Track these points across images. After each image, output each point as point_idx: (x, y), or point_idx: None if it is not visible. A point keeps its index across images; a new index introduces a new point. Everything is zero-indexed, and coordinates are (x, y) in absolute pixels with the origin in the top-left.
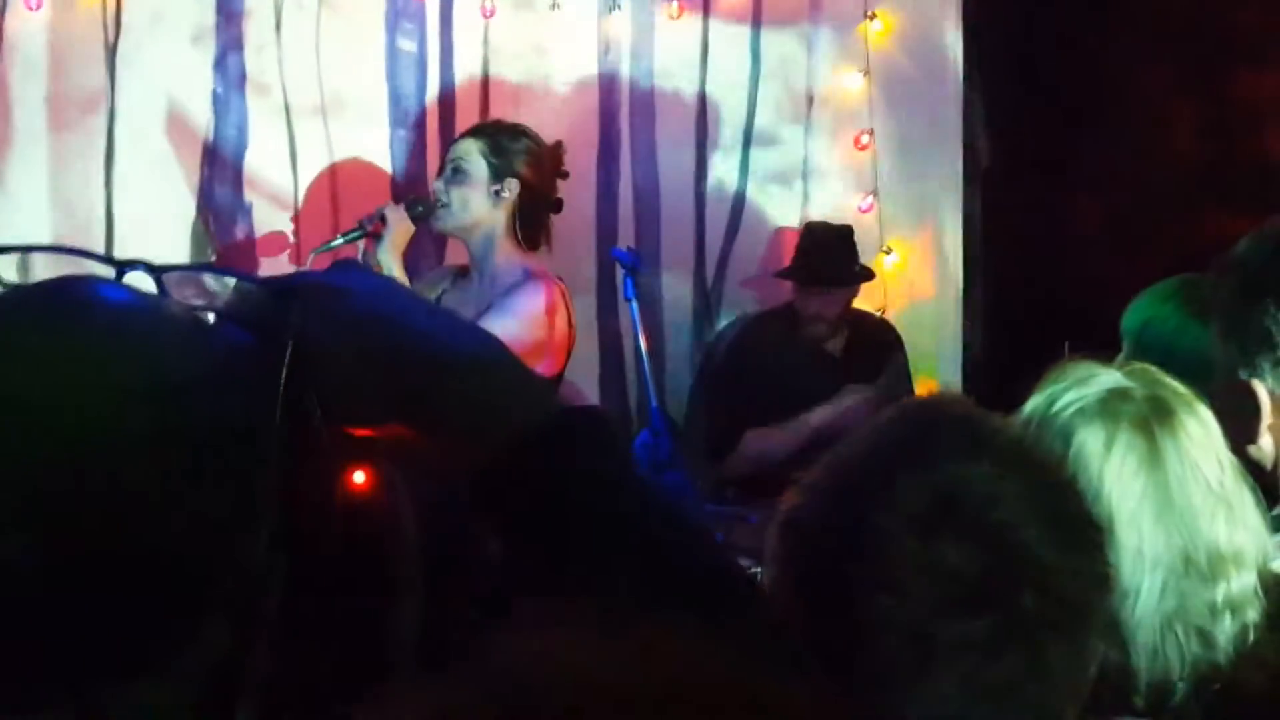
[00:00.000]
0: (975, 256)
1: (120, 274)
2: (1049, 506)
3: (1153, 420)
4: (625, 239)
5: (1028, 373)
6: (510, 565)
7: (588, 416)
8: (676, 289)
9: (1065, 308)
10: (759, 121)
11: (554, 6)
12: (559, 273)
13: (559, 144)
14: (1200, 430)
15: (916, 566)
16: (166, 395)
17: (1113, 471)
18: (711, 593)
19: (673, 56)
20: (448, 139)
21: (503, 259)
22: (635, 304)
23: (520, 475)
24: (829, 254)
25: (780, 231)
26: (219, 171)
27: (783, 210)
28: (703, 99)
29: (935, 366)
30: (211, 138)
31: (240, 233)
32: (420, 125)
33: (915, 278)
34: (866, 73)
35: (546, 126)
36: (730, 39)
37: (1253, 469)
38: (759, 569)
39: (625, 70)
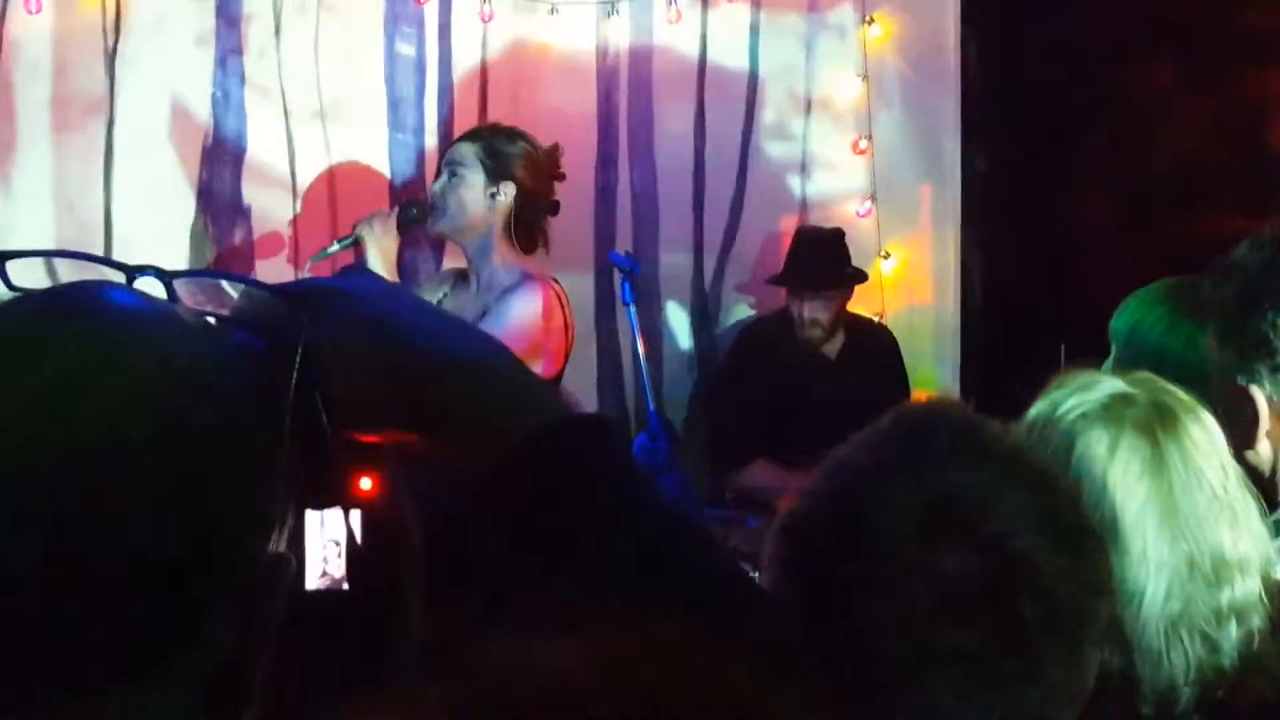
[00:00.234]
0: (973, 261)
1: (131, 279)
2: (1047, 513)
3: (1156, 425)
4: (623, 243)
5: (1025, 377)
6: (513, 569)
7: (591, 421)
8: (675, 293)
9: (1063, 312)
10: (757, 126)
11: (552, 10)
12: (557, 277)
13: (555, 147)
14: (1204, 436)
15: (914, 572)
16: (177, 399)
17: (1116, 476)
18: (714, 597)
19: (671, 61)
20: (446, 142)
21: (499, 262)
22: (633, 308)
23: (524, 479)
24: (819, 257)
25: (779, 236)
26: (218, 174)
27: (781, 214)
28: (701, 103)
29: (933, 371)
30: (211, 140)
31: (239, 235)
32: (419, 129)
33: (913, 282)
34: (865, 77)
35: (544, 130)
36: (728, 43)
37: (1250, 474)
38: (757, 574)
39: (623, 74)
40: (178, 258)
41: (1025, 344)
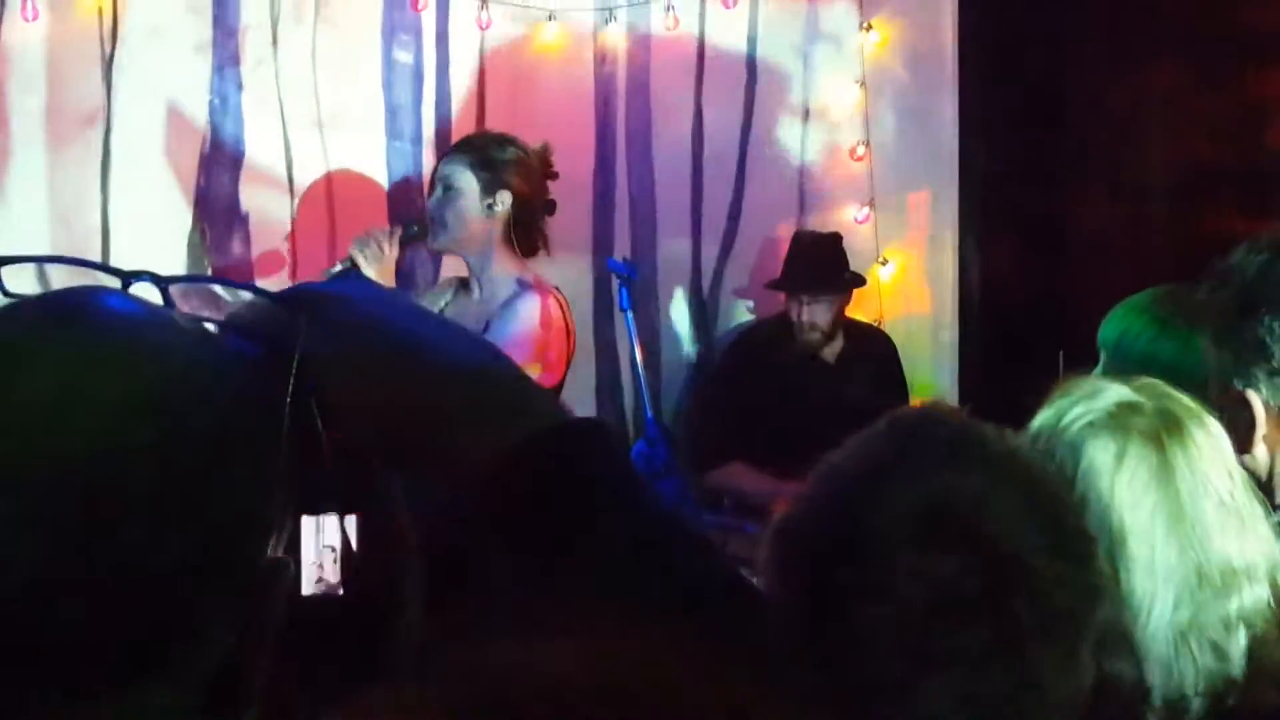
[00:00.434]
0: (971, 267)
1: (126, 285)
2: (1041, 517)
3: (1163, 433)
4: (621, 249)
5: (1024, 383)
6: (511, 572)
7: (588, 425)
8: (673, 299)
9: (1061, 318)
10: (755, 132)
11: (550, 18)
12: (555, 283)
13: (545, 146)
14: (1210, 443)
15: (910, 576)
16: (174, 404)
17: (1124, 485)
18: (710, 601)
19: (668, 68)
20: (444, 151)
21: (500, 270)
22: (630, 314)
23: (521, 483)
24: (817, 261)
25: (777, 242)
26: (216, 182)
27: (779, 221)
28: (698, 110)
29: (931, 376)
30: (208, 149)
31: (237, 243)
32: (416, 137)
33: (911, 288)
34: (863, 83)
35: (542, 137)
36: (726, 49)
37: None
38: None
39: (621, 82)
40: (175, 266)
41: (1023, 350)
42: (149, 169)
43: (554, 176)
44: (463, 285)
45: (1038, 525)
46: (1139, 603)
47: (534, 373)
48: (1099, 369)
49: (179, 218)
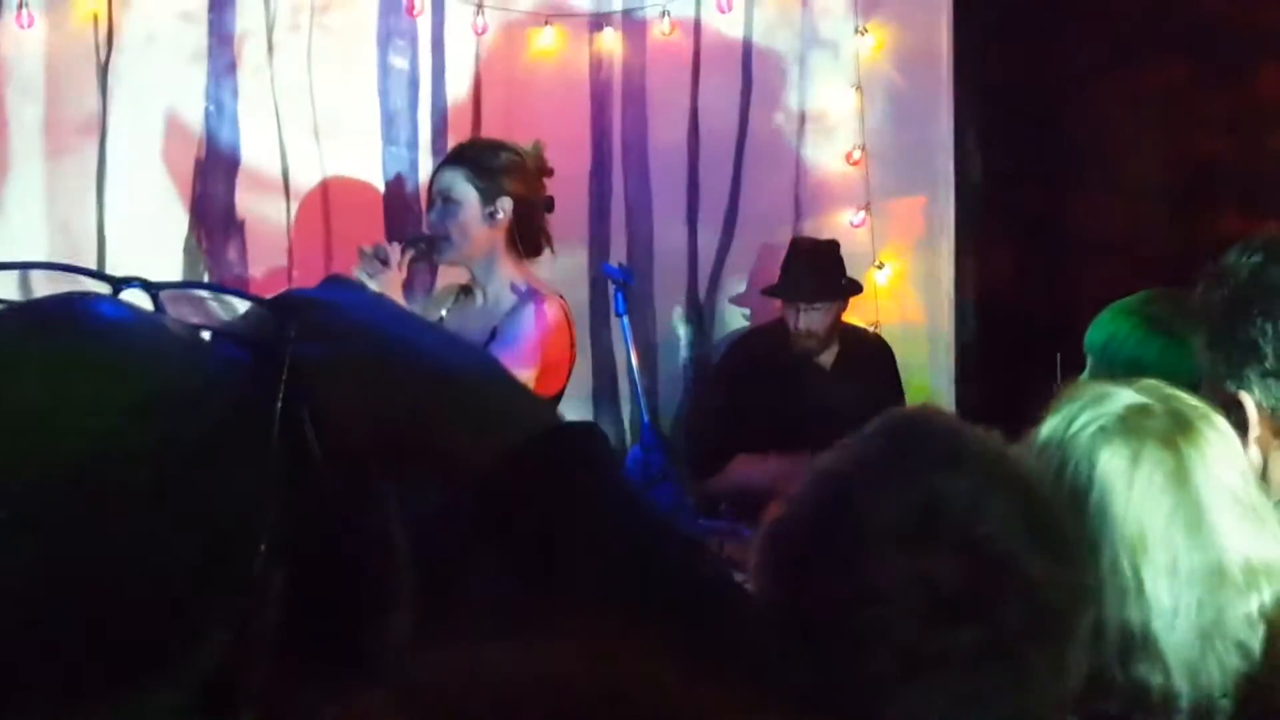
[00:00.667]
0: (967, 271)
1: (117, 291)
2: (1032, 519)
3: (1177, 436)
4: (618, 254)
5: (1020, 387)
6: (504, 577)
7: (580, 430)
8: (669, 304)
9: (1058, 322)
10: (751, 136)
11: (545, 23)
12: (553, 287)
13: (538, 144)
14: (1222, 442)
15: (901, 578)
16: (163, 410)
17: (1141, 488)
18: (700, 605)
19: (665, 73)
20: (440, 158)
21: (505, 277)
22: (626, 319)
23: (513, 487)
24: (814, 269)
25: (773, 247)
26: (212, 191)
27: (775, 225)
28: (694, 115)
29: (927, 380)
30: (205, 156)
31: (234, 250)
32: (413, 142)
33: (907, 292)
34: (858, 88)
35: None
36: (722, 54)
37: None
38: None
39: (617, 87)
40: (172, 273)
41: (1020, 354)
42: (145, 176)
43: (549, 174)
44: (464, 292)
45: (1029, 527)
46: (1163, 606)
47: (539, 382)
48: (1086, 374)
49: (176, 224)
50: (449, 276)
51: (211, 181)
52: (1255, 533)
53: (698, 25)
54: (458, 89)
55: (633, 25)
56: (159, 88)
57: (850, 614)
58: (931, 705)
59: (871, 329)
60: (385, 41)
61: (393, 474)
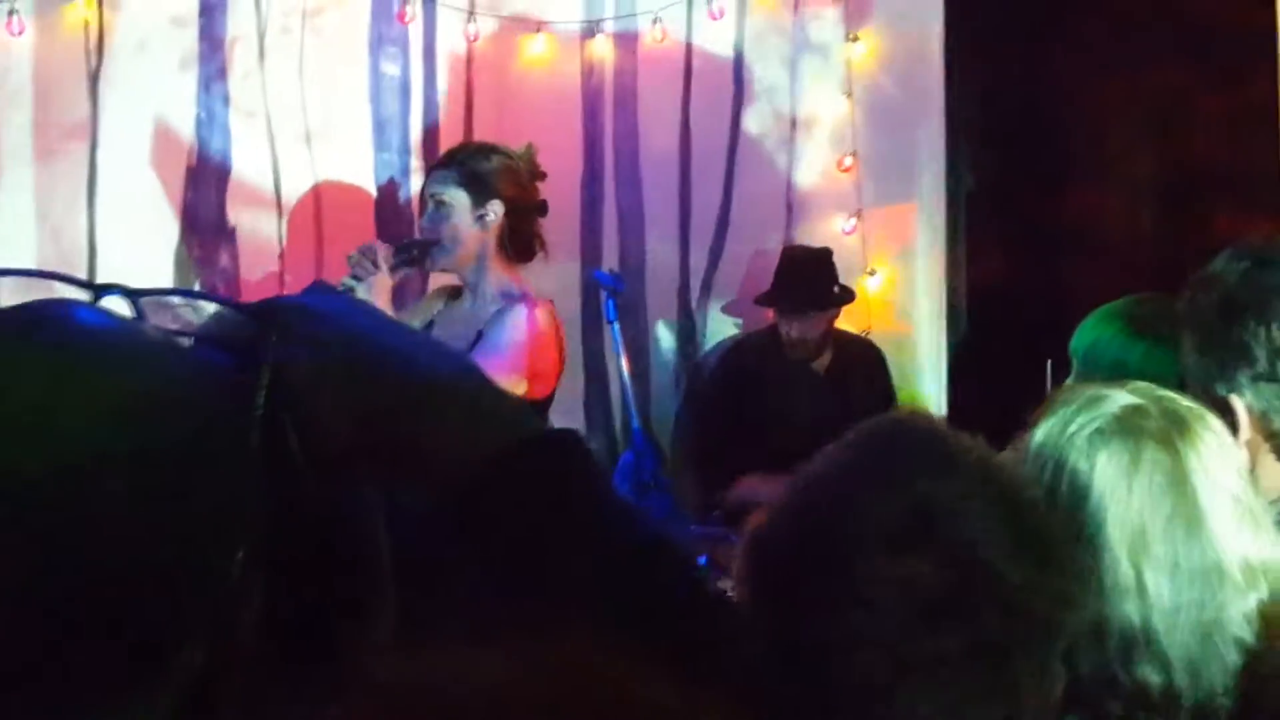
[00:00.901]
0: (958, 278)
1: (97, 297)
2: (1016, 525)
3: (1174, 436)
4: (609, 262)
5: (1012, 393)
6: (483, 585)
7: (564, 437)
8: (661, 311)
9: (1050, 328)
10: (742, 144)
11: (538, 30)
12: (544, 295)
13: (530, 147)
14: (1218, 442)
15: (886, 583)
16: (140, 416)
17: (1141, 489)
18: (684, 613)
19: (656, 80)
20: (431, 164)
21: (494, 279)
22: (617, 326)
23: (493, 496)
24: (807, 278)
25: (764, 253)
26: (203, 197)
27: (767, 232)
28: (686, 121)
29: (920, 386)
30: (195, 163)
31: (225, 257)
32: (404, 149)
33: (899, 299)
34: (850, 94)
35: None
36: (713, 61)
37: None
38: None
39: (609, 93)
40: (163, 280)
41: (1011, 360)
42: (136, 183)
43: (542, 177)
44: (454, 294)
45: (1012, 533)
46: (1164, 605)
47: (524, 385)
48: (1071, 379)
49: (167, 231)
50: (440, 279)
51: (202, 188)
52: (1253, 532)
53: (689, 32)
54: (449, 96)
55: (624, 33)
56: (149, 94)
57: (834, 620)
58: (915, 710)
59: (863, 335)
60: (377, 48)
61: (374, 479)
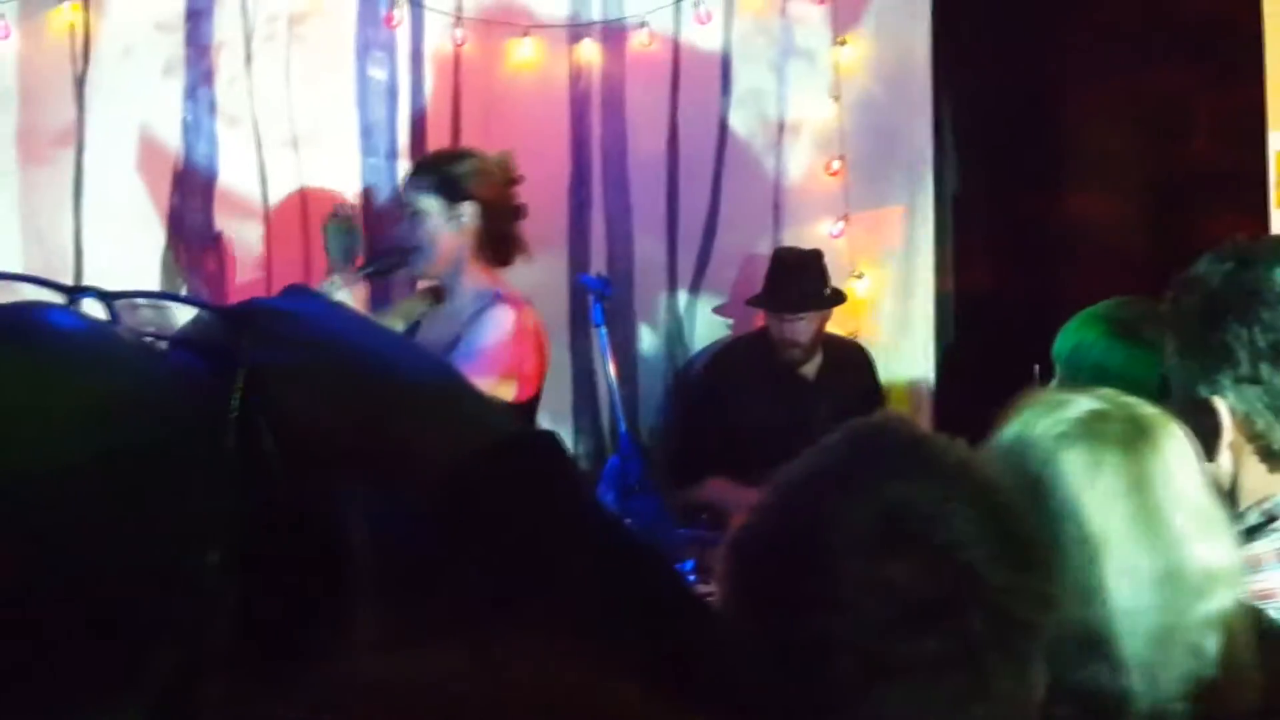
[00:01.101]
0: (947, 280)
1: (72, 300)
2: (996, 527)
3: (1137, 441)
4: (597, 265)
5: (1000, 396)
6: (458, 586)
7: (541, 439)
8: (648, 314)
9: (1037, 331)
10: (730, 147)
11: (525, 34)
12: (531, 298)
13: (506, 153)
14: (1180, 448)
15: (864, 586)
16: (112, 418)
17: (1101, 493)
18: (661, 615)
19: (644, 83)
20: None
21: (470, 282)
22: (604, 330)
23: (469, 497)
24: (797, 279)
25: (752, 257)
26: (189, 202)
27: (755, 235)
28: (674, 125)
29: (908, 389)
30: (182, 168)
31: (211, 262)
32: (391, 153)
33: (887, 302)
34: (837, 98)
35: (518, 153)
36: (701, 65)
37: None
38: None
39: (596, 97)
40: (149, 284)
41: (999, 363)
42: (122, 188)
43: (518, 181)
44: (435, 297)
45: (991, 535)
46: (1122, 608)
47: (507, 387)
48: (1054, 384)
49: (152, 236)
50: (424, 282)
51: (188, 193)
52: (1212, 539)
53: (677, 35)
54: (436, 100)
55: (612, 36)
56: (135, 99)
57: (813, 622)
58: (894, 713)
59: (851, 338)
60: (363, 52)
61: (351, 480)
